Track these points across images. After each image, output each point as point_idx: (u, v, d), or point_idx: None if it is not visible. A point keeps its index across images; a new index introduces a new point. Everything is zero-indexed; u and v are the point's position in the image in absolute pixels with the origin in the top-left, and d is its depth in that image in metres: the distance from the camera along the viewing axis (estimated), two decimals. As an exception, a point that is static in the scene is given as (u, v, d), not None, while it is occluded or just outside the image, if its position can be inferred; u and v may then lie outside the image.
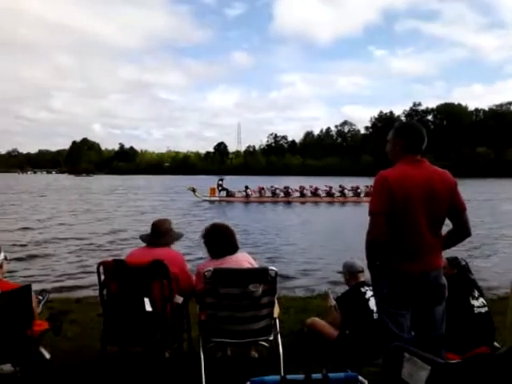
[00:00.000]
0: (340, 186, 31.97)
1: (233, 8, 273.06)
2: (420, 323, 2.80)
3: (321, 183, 33.54)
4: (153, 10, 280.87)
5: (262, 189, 31.81)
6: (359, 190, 31.45)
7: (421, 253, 2.74)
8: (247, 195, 30.91)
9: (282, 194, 31.41)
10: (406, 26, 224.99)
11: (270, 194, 31.42)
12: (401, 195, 2.68)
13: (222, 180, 32.61)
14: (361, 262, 4.07)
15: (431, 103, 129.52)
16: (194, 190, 30.85)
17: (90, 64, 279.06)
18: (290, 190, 31.70)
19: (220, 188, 31.85)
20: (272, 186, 32.38)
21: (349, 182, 35.33)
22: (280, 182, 34.28)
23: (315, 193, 31.46)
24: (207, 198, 30.58)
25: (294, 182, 34.63)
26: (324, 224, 18.91)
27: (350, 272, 4.03)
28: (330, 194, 31.30)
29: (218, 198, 30.92)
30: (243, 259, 3.62)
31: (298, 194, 31.56)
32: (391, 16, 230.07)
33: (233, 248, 3.64)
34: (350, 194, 31.46)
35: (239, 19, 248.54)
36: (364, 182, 31.89)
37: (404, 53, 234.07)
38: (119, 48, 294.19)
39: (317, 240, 14.23)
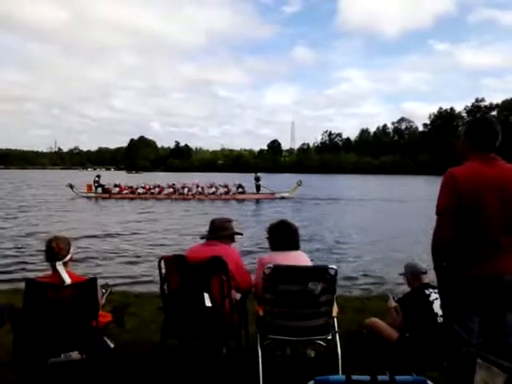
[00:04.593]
0: (210, 184, 32.42)
1: (292, 5, 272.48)
2: (490, 328, 2.67)
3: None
4: (215, 8, 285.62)
5: (131, 187, 32.46)
6: (227, 189, 31.77)
7: (492, 256, 2.61)
8: (119, 192, 31.91)
9: (156, 191, 32.08)
10: (481, 15, 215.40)
11: (143, 191, 32.07)
12: (470, 194, 2.57)
13: (98, 177, 33.45)
14: (423, 263, 3.98)
15: (500, 98, 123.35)
16: (71, 187, 31.95)
17: (153, 63, 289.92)
18: (161, 187, 32.43)
19: (96, 185, 32.73)
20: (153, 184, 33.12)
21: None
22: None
23: (183, 190, 31.88)
24: (84, 195, 31.89)
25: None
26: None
27: (413, 273, 3.91)
28: (201, 191, 31.77)
29: (94, 195, 31.88)
30: (304, 257, 3.62)
31: (171, 190, 32.01)
32: (466, 5, 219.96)
33: (295, 245, 3.67)
34: (222, 190, 31.72)
35: (301, 15, 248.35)
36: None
37: (474, 44, 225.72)
38: (181, 47, 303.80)
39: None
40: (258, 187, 32.53)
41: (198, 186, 32.16)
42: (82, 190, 32.45)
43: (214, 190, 31.78)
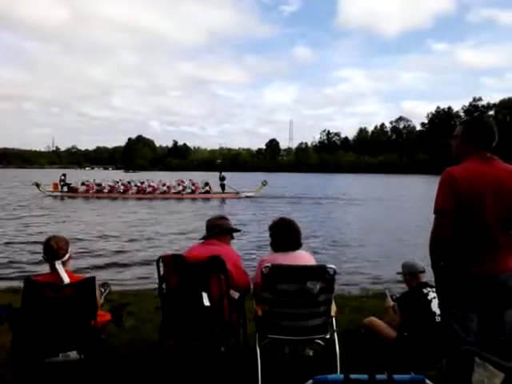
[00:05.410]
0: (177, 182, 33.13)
1: (291, 5, 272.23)
2: (488, 326, 2.68)
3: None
4: (215, 7, 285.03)
5: (99, 185, 32.71)
6: (194, 188, 32.45)
7: (490, 254, 2.62)
8: (85, 191, 32.08)
9: (121, 190, 32.36)
10: (480, 14, 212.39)
11: (109, 190, 32.36)
12: (468, 194, 2.58)
13: (64, 175, 33.56)
14: (421, 262, 3.98)
15: (499, 97, 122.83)
16: (38, 185, 32.08)
17: (153, 62, 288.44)
18: (128, 186, 32.77)
19: (62, 183, 32.84)
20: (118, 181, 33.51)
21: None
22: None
23: (150, 189, 32.28)
24: (50, 193, 31.99)
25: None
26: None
27: (411, 272, 3.92)
28: (166, 190, 32.22)
29: (59, 194, 32.01)
30: (306, 256, 3.61)
31: (135, 191, 32.30)
32: (465, 4, 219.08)
33: (296, 244, 3.66)
34: (188, 190, 32.35)
35: (301, 15, 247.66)
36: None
37: (473, 44, 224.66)
38: (181, 45, 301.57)
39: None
40: (222, 186, 32.94)
41: (164, 185, 32.51)
42: (49, 189, 32.55)
43: (180, 188, 32.24)
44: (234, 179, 38.07)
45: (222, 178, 33.12)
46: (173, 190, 32.14)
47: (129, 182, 33.33)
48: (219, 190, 32.79)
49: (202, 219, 17.67)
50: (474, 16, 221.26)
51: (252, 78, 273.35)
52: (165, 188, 32.29)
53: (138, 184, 32.97)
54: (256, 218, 18.76)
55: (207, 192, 32.06)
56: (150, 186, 32.38)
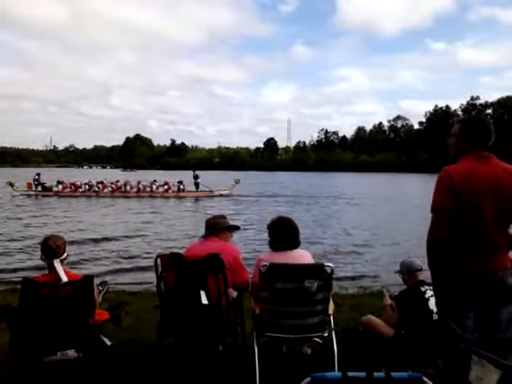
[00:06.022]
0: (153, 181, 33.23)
1: (290, 4, 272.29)
2: (484, 324, 2.69)
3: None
4: (213, 6, 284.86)
5: (73, 184, 32.75)
6: (167, 187, 32.58)
7: (487, 252, 2.63)
8: (59, 190, 32.11)
9: (95, 189, 32.42)
10: (479, 13, 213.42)
11: (83, 189, 32.41)
12: (465, 192, 2.58)
13: (38, 175, 33.57)
14: (419, 260, 3.98)
15: (497, 96, 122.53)
16: (11, 185, 32.05)
17: (151, 61, 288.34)
18: (101, 185, 32.87)
19: (36, 183, 32.92)
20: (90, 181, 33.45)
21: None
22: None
23: (125, 188, 32.53)
24: (24, 193, 31.97)
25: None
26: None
27: (409, 271, 3.93)
28: (141, 189, 32.43)
29: (34, 193, 32.08)
30: (304, 255, 3.61)
31: (109, 189, 32.45)
32: (465, 3, 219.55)
33: (295, 243, 3.65)
34: (161, 189, 32.54)
35: (299, 14, 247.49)
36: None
37: (472, 43, 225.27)
38: (180, 45, 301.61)
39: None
40: (196, 185, 33.10)
41: (139, 184, 32.64)
42: (23, 189, 32.49)
43: (154, 187, 32.36)
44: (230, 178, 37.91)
45: (196, 177, 33.26)
46: (148, 189, 32.29)
47: (102, 182, 33.44)
48: (193, 188, 33.04)
49: (189, 218, 18.06)
50: (474, 15, 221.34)
51: (250, 77, 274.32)
52: (140, 186, 32.44)
53: (113, 182, 33.27)
54: (255, 218, 18.75)
55: (181, 191, 32.26)
56: (125, 184, 32.64)
